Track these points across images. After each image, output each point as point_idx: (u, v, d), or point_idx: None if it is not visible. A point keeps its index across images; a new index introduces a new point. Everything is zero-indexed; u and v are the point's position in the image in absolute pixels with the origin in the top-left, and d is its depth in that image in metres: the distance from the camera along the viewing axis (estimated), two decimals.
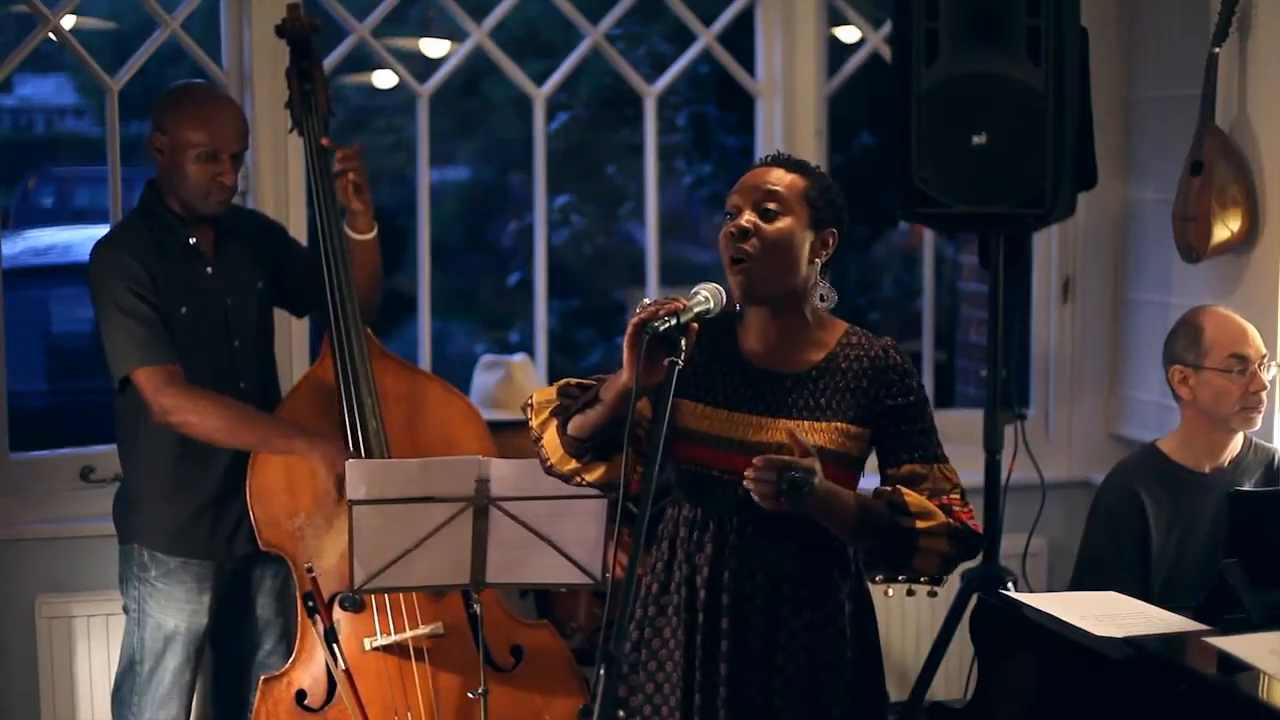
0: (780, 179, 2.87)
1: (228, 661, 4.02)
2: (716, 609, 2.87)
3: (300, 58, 4.00)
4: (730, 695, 2.86)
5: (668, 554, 2.94)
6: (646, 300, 2.73)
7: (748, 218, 2.84)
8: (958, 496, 2.89)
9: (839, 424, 2.87)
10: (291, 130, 4.04)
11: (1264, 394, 3.73)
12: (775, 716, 2.87)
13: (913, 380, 2.92)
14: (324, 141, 3.94)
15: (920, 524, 2.81)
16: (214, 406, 3.72)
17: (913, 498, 2.84)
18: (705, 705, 2.86)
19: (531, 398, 2.95)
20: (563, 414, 2.88)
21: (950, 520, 2.84)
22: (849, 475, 2.89)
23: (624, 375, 2.73)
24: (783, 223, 2.84)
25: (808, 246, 2.86)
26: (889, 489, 2.86)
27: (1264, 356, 3.75)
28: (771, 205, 2.85)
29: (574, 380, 2.92)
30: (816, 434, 2.86)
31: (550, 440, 2.89)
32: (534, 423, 2.92)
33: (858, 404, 2.88)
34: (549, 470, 2.92)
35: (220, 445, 3.76)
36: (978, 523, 2.93)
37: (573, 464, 2.87)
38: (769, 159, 2.94)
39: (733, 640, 2.86)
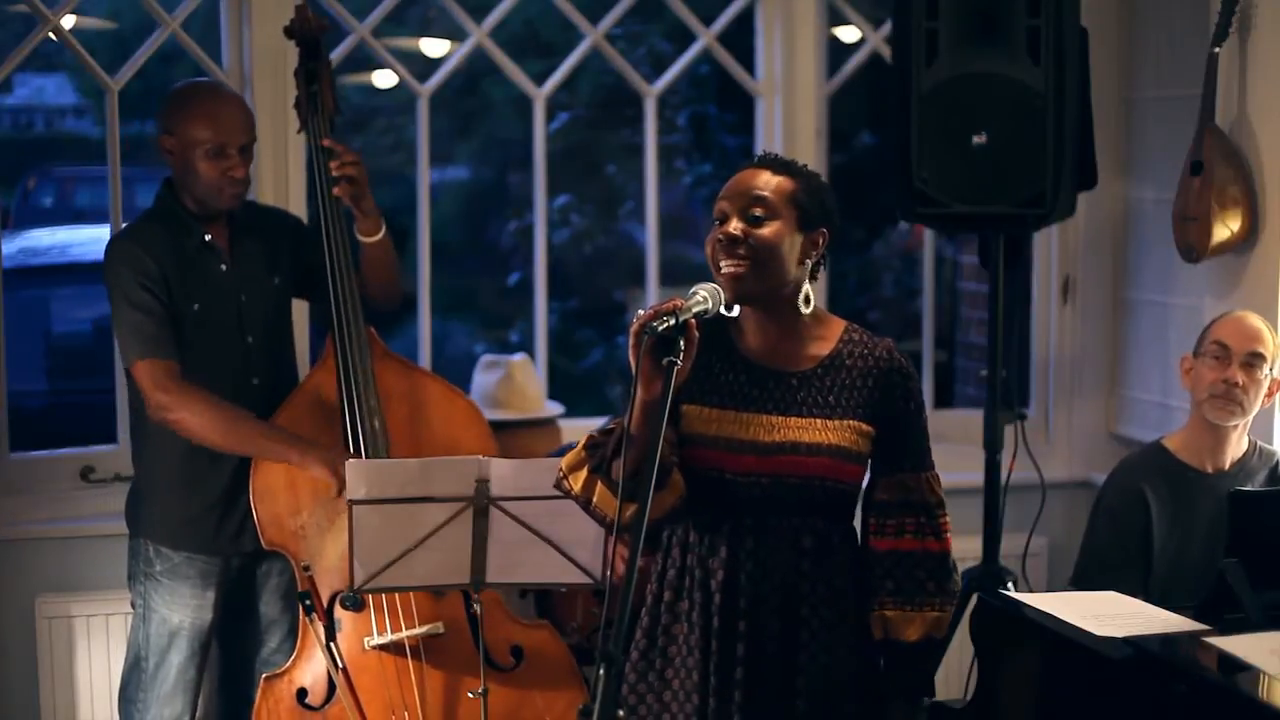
0: (767, 183, 2.86)
1: (233, 658, 4.02)
2: (733, 613, 2.85)
3: (307, 58, 4.00)
4: (745, 700, 2.84)
5: (680, 560, 2.91)
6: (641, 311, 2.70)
7: (735, 225, 2.84)
8: (945, 515, 2.93)
9: (852, 421, 2.87)
10: (300, 130, 4.04)
11: (1237, 390, 3.73)
12: (797, 718, 2.86)
13: (915, 384, 2.93)
14: (325, 142, 3.91)
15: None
16: (208, 409, 3.70)
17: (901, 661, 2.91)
18: (720, 709, 2.84)
19: (561, 467, 2.87)
20: (600, 466, 2.81)
21: (926, 615, 2.91)
22: (859, 470, 2.90)
23: (640, 393, 2.69)
24: (770, 228, 2.83)
25: (797, 249, 2.86)
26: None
27: (1251, 353, 3.73)
28: (758, 211, 2.84)
29: (595, 431, 2.85)
30: (830, 432, 2.85)
31: (601, 496, 2.81)
32: (576, 488, 2.84)
33: (866, 402, 2.88)
34: (608, 527, 2.85)
35: (214, 448, 3.74)
36: (950, 535, 2.95)
37: (631, 507, 2.69)
38: (757, 161, 2.93)
39: (749, 644, 2.84)
